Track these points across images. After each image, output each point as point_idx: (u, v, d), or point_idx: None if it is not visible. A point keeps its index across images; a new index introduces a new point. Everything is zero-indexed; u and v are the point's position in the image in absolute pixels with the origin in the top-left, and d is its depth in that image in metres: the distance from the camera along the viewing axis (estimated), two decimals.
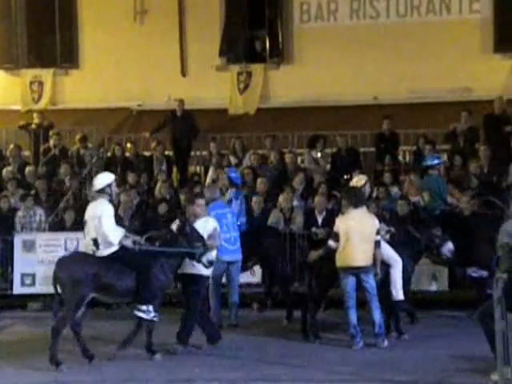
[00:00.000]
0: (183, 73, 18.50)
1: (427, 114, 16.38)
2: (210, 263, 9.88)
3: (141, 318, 9.71)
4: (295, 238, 13.22)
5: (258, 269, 13.19)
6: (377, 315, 10.17)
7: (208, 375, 8.90)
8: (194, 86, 17.87)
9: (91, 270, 9.48)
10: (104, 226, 9.52)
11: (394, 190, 13.99)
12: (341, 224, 10.29)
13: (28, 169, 16.00)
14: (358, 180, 11.15)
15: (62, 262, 9.85)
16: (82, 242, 13.31)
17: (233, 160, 16.12)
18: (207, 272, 10.12)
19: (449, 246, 10.89)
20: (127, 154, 16.58)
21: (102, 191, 9.75)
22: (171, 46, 18.36)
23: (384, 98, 17.15)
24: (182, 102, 16.80)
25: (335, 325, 11.10)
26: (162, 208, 14.04)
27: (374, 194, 13.19)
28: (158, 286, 9.72)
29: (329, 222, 13.27)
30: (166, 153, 16.61)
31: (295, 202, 13.96)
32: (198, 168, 16.76)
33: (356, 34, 17.59)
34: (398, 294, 10.57)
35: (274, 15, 18.26)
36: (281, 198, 13.74)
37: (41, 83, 19.00)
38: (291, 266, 13.12)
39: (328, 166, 15.73)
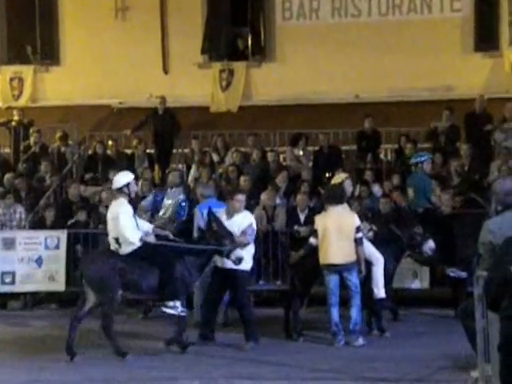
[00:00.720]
0: (165, 70, 18.46)
1: (408, 113, 16.44)
2: (239, 260, 9.85)
3: (170, 315, 9.74)
4: (278, 235, 13.24)
5: None
6: (354, 312, 10.21)
7: (190, 373, 8.87)
8: (175, 83, 17.84)
9: (117, 266, 9.54)
10: (122, 227, 9.58)
11: (376, 188, 14.02)
12: (319, 221, 10.37)
13: (7, 176, 15.72)
14: (337, 177, 11.19)
15: (86, 260, 9.96)
16: (62, 239, 13.51)
17: (215, 157, 16.10)
18: (247, 266, 10.08)
19: (430, 244, 10.93)
20: (109, 152, 16.51)
21: (120, 190, 9.79)
22: (153, 43, 18.30)
23: (366, 97, 17.19)
24: (163, 99, 16.76)
25: (318, 323, 11.09)
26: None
27: (357, 193, 13.21)
28: (181, 282, 9.70)
29: (311, 219, 13.30)
30: (148, 150, 16.56)
31: (278, 200, 13.96)
32: (180, 166, 16.72)
33: (338, 32, 17.62)
34: (380, 292, 10.60)
35: (256, 13, 18.26)
36: (263, 196, 13.74)
37: (21, 80, 18.88)
38: (274, 264, 13.15)
39: (310, 164, 15.74)
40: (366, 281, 10.50)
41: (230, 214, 10.21)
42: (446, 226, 12.13)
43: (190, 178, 15.66)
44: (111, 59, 18.26)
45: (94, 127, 17.87)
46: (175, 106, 16.86)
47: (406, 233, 10.95)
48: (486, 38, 17.20)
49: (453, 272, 11.36)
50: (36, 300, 13.89)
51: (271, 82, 17.80)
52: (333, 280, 10.17)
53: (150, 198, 12.48)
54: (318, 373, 8.81)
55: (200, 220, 10.67)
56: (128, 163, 16.12)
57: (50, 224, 14.00)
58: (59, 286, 13.41)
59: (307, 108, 17.23)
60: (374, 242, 10.76)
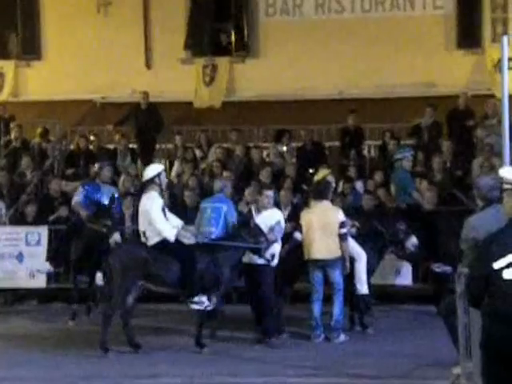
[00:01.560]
0: (148, 65, 18.38)
1: (391, 109, 16.45)
2: (273, 257, 9.87)
3: (197, 310, 9.74)
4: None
5: None
6: (337, 309, 10.23)
7: (172, 371, 8.86)
8: (158, 78, 17.76)
9: (141, 257, 9.52)
10: (156, 222, 9.58)
11: (359, 184, 14.03)
12: (303, 217, 10.38)
13: None
14: (320, 173, 11.20)
15: (114, 250, 10.00)
16: (43, 235, 13.42)
17: (198, 153, 16.06)
18: (272, 263, 10.05)
19: (413, 241, 10.95)
20: (91, 147, 16.43)
21: (151, 181, 9.75)
22: (136, 38, 18.21)
23: (349, 93, 17.19)
24: (146, 94, 16.69)
25: (301, 319, 11.08)
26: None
27: (340, 189, 13.22)
28: (208, 278, 9.66)
29: (294, 216, 13.29)
30: (131, 145, 16.49)
31: None
32: (162, 161, 16.65)
33: (321, 28, 17.61)
34: (363, 287, 10.61)
35: (240, 9, 18.21)
36: (247, 192, 13.71)
37: (2, 75, 18.73)
38: None
39: (293, 160, 15.73)
40: (349, 277, 10.50)
41: (258, 210, 10.18)
42: (429, 222, 12.15)
43: (173, 173, 15.62)
44: (93, 54, 18.15)
45: (76, 122, 17.77)
46: (158, 102, 16.79)
47: (389, 229, 10.96)
48: (468, 35, 17.25)
49: (438, 267, 11.37)
50: (17, 296, 13.79)
51: (255, 78, 17.77)
52: (317, 276, 10.18)
53: (80, 191, 12.04)
54: (301, 369, 8.81)
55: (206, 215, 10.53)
56: (110, 158, 16.07)
57: (31, 220, 13.91)
58: (40, 282, 13.33)
59: (290, 104, 17.22)
60: (357, 238, 10.77)
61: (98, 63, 18.07)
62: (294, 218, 13.20)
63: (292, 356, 9.46)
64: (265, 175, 14.58)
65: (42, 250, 13.33)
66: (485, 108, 14.81)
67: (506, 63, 7.56)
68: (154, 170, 9.90)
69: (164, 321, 11.44)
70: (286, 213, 13.29)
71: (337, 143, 16.14)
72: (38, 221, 13.75)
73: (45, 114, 17.70)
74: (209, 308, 9.69)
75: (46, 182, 15.30)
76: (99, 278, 11.36)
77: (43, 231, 13.48)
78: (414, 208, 12.69)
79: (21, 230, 13.67)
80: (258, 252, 9.82)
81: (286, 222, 13.05)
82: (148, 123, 16.41)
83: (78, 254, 11.62)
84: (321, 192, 10.38)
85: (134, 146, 16.56)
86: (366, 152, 16.32)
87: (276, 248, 10.09)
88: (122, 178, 14.98)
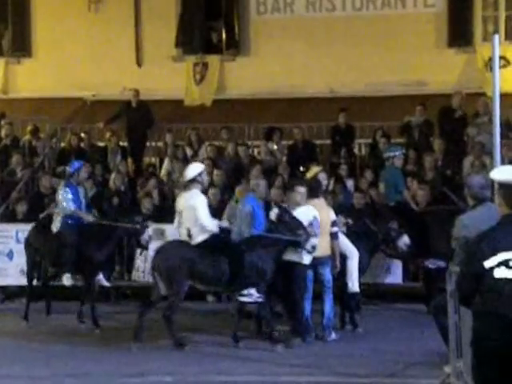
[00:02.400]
0: (138, 63, 18.34)
1: (382, 107, 16.47)
2: (314, 248, 9.84)
3: (244, 303, 9.77)
4: None
5: None
6: (328, 308, 10.22)
7: (161, 369, 8.82)
8: (149, 76, 17.73)
9: (187, 256, 9.58)
10: (201, 218, 9.63)
11: (350, 182, 14.03)
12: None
13: None
14: (311, 171, 11.19)
15: (159, 250, 9.97)
16: None
17: (188, 151, 16.03)
18: (307, 260, 10.02)
19: (404, 240, 10.94)
20: (82, 145, 16.39)
21: (193, 180, 9.80)
22: (126, 35, 18.18)
23: (340, 91, 17.19)
24: (137, 92, 16.64)
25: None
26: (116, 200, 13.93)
27: (330, 188, 13.21)
28: (253, 272, 9.66)
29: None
30: (121, 143, 16.45)
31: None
32: (153, 159, 16.64)
33: (312, 26, 17.60)
34: (354, 285, 10.60)
35: (231, 6, 18.18)
36: (237, 190, 13.68)
37: None
38: None
39: (284, 158, 15.72)
40: (340, 275, 10.50)
41: (290, 207, 10.13)
42: (420, 220, 12.16)
43: (163, 171, 15.59)
44: (84, 51, 18.11)
45: (66, 120, 17.72)
46: (149, 99, 16.74)
47: (381, 227, 10.95)
48: (459, 34, 17.27)
49: (432, 264, 11.34)
50: (7, 294, 13.75)
51: (245, 76, 17.75)
52: (307, 274, 10.16)
53: (69, 198, 11.60)
54: (290, 368, 8.80)
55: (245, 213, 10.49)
56: (100, 156, 16.04)
57: (22, 217, 13.87)
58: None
59: (281, 102, 17.21)
60: (348, 236, 10.76)
61: (89, 61, 18.02)
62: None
63: (282, 354, 9.44)
64: (255, 173, 14.57)
65: None
66: (476, 106, 14.83)
67: (497, 62, 7.55)
68: (195, 169, 9.95)
69: (155, 319, 11.39)
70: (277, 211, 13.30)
71: (328, 141, 16.13)
72: (28, 218, 13.69)
73: (35, 111, 17.63)
74: (258, 300, 9.72)
75: (37, 180, 15.27)
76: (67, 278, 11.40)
77: None
78: (404, 206, 12.69)
79: (11, 228, 13.61)
80: (299, 244, 9.81)
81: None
82: (138, 121, 16.37)
83: (108, 254, 11.49)
84: (313, 190, 10.36)
85: (125, 143, 16.52)
86: (356, 150, 16.32)
87: (316, 241, 10.02)
88: (113, 175, 14.95)
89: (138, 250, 13.37)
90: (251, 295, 9.69)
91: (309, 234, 9.79)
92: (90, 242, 11.15)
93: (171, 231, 13.18)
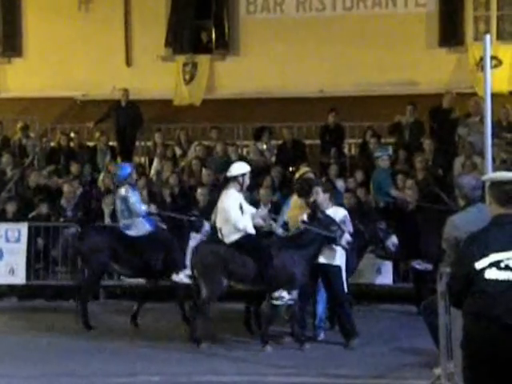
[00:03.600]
0: (128, 63, 18.30)
1: (372, 107, 16.45)
2: (348, 244, 9.83)
3: (276, 306, 9.70)
4: None
5: None
6: (320, 309, 10.20)
7: (150, 369, 8.78)
8: (139, 76, 17.69)
9: (222, 255, 9.56)
10: (233, 220, 9.60)
11: (340, 182, 14.00)
12: (289, 214, 10.34)
13: None
14: (300, 171, 11.17)
15: (196, 250, 9.95)
16: (22, 232, 13.30)
17: (178, 151, 15.99)
18: (340, 261, 9.97)
19: (393, 240, 10.92)
20: (71, 144, 16.34)
21: (234, 179, 9.76)
22: (116, 35, 18.14)
23: (330, 91, 17.18)
24: (126, 91, 16.60)
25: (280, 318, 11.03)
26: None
27: None
28: (285, 273, 9.60)
29: (274, 214, 13.25)
30: (110, 143, 16.41)
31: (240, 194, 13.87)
32: (142, 159, 16.60)
33: (302, 26, 17.59)
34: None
35: (221, 6, 18.15)
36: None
37: None
38: None
39: (274, 158, 15.70)
40: None
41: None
42: (410, 220, 12.14)
43: (153, 171, 15.55)
44: (74, 51, 18.06)
45: (56, 119, 17.68)
46: (138, 99, 16.72)
47: (369, 228, 10.92)
48: (450, 33, 17.29)
49: (419, 264, 11.34)
50: None
51: (235, 76, 17.72)
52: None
53: (138, 200, 11.45)
54: (279, 369, 8.77)
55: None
56: (90, 156, 15.99)
57: (11, 216, 13.81)
58: (19, 279, 13.23)
59: (271, 102, 17.19)
60: None
61: (79, 60, 17.98)
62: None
63: (270, 355, 9.40)
64: None
65: (22, 246, 13.24)
66: (467, 106, 14.83)
67: (488, 62, 7.53)
68: (240, 169, 9.87)
69: (144, 319, 11.35)
70: (266, 211, 13.28)
71: (317, 141, 16.12)
72: (17, 218, 13.65)
73: (25, 110, 17.60)
74: (290, 303, 9.68)
75: (26, 177, 15.20)
76: None
77: (23, 228, 13.39)
78: (394, 206, 12.68)
79: (1, 227, 13.54)
80: (333, 241, 9.77)
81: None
82: (128, 121, 16.34)
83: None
84: (304, 190, 10.33)
85: (114, 143, 16.47)
86: (346, 150, 16.31)
87: (349, 237, 9.97)
88: (102, 175, 14.90)
89: None
90: (282, 298, 9.64)
91: (343, 230, 9.80)
92: (173, 241, 11.06)
93: None
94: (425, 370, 7.98)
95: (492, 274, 4.87)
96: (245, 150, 16.22)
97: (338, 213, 10.10)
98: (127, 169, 11.40)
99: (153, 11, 18.09)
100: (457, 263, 5.17)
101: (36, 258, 13.34)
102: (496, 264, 4.87)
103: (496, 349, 4.83)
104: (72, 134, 16.56)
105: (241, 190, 9.85)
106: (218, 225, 9.86)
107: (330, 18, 17.65)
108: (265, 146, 15.75)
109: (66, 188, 14.05)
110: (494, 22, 17.28)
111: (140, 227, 11.02)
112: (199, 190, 13.73)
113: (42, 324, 11.21)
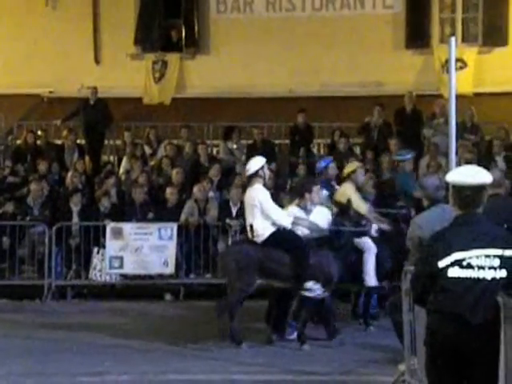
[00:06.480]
0: (97, 60, 18.22)
1: (341, 108, 16.57)
2: (376, 232, 9.96)
3: (307, 297, 9.62)
4: (209, 229, 13.24)
5: (171, 259, 13.13)
6: (295, 306, 10.23)
7: (118, 368, 8.76)
8: (107, 73, 17.62)
9: (255, 255, 9.46)
10: (270, 213, 9.50)
11: None
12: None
13: None
14: (349, 166, 11.03)
15: (227, 251, 9.94)
16: None
17: (147, 150, 15.97)
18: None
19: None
20: (38, 142, 16.24)
21: (255, 175, 9.67)
22: (84, 32, 18.04)
23: (299, 91, 17.27)
24: (95, 89, 16.53)
25: (253, 315, 11.07)
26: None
27: (288, 187, 13.27)
28: (317, 268, 9.56)
29: (243, 213, 13.31)
30: (78, 141, 16.33)
31: (210, 193, 13.94)
32: (111, 157, 16.55)
33: (272, 26, 17.66)
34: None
35: (191, 5, 18.15)
36: (195, 189, 13.70)
37: None
38: (205, 257, 13.15)
39: (243, 158, 15.75)
40: None
41: (307, 210, 9.96)
42: None
43: (122, 170, 15.52)
44: (41, 48, 17.94)
45: (22, 117, 17.54)
46: (107, 97, 16.64)
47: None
48: (416, 35, 17.45)
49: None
50: None
51: (205, 75, 17.74)
52: None
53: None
54: (248, 366, 8.80)
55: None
56: (57, 154, 15.91)
57: None
58: None
59: (241, 101, 17.23)
60: None
61: (46, 57, 17.86)
62: (243, 216, 13.19)
63: (241, 353, 9.43)
64: (214, 172, 14.59)
65: None
66: (433, 107, 14.99)
67: (453, 64, 7.62)
68: (257, 163, 9.79)
69: (112, 318, 11.35)
70: (235, 210, 13.36)
71: (287, 141, 16.20)
72: None
73: None
74: (319, 297, 9.66)
75: None
76: None
77: None
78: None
79: None
80: (365, 233, 9.88)
81: (234, 219, 13.19)
82: (96, 119, 16.26)
83: None
84: (298, 190, 10.36)
85: (82, 141, 16.40)
86: (315, 150, 16.41)
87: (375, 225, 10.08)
88: (70, 173, 14.84)
89: (95, 249, 13.31)
90: (315, 290, 9.60)
91: (371, 222, 9.94)
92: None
93: (129, 229, 13.20)
94: (390, 366, 8.06)
95: (455, 273, 4.94)
96: (215, 150, 16.25)
97: (323, 211, 10.13)
98: (324, 162, 11.51)
99: (122, 9, 18.03)
100: (420, 262, 5.24)
101: (2, 257, 13.25)
102: (458, 263, 4.93)
103: (458, 346, 4.90)
104: (39, 132, 16.46)
105: (264, 184, 9.80)
106: (249, 221, 9.68)
107: (300, 19, 17.74)
108: (234, 146, 15.80)
109: (33, 186, 13.96)
110: (460, 24, 17.47)
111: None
112: (169, 190, 13.75)
113: (7, 324, 11.14)
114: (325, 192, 10.63)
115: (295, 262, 9.53)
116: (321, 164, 11.66)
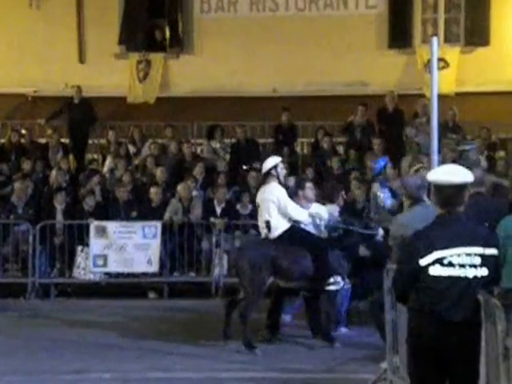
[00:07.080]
0: (81, 59, 18.18)
1: (324, 107, 16.62)
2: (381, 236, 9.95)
3: (332, 292, 9.62)
4: (193, 227, 13.27)
5: (155, 258, 13.15)
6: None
7: (101, 366, 8.78)
8: (92, 73, 17.59)
9: (269, 254, 9.43)
10: (290, 209, 9.53)
11: (292, 180, 14.13)
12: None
13: None
14: (415, 167, 11.02)
15: (240, 249, 9.95)
16: None
17: (131, 149, 15.98)
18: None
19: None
20: (22, 141, 16.21)
21: (269, 174, 9.71)
22: (69, 31, 17.99)
23: (283, 90, 17.31)
24: (79, 88, 16.52)
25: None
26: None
27: None
28: (333, 266, 9.58)
29: (228, 212, 13.38)
30: (63, 140, 16.32)
31: (194, 192, 13.97)
32: (95, 156, 16.54)
33: (256, 26, 17.68)
34: None
35: (175, 5, 18.14)
36: (180, 188, 13.72)
37: None
38: (189, 256, 13.18)
39: (227, 157, 15.79)
40: None
41: (304, 205, 9.89)
42: None
43: (106, 169, 15.52)
44: (26, 47, 17.87)
45: (6, 116, 17.48)
46: (91, 96, 16.63)
47: None
48: (399, 35, 17.52)
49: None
50: None
51: (189, 74, 17.75)
52: None
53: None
54: (230, 364, 8.84)
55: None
56: (41, 153, 15.89)
57: None
58: None
59: (225, 100, 17.24)
60: None
61: (31, 56, 17.79)
62: (227, 214, 13.29)
63: (223, 351, 9.46)
64: (198, 171, 14.62)
65: None
66: (415, 107, 15.08)
67: (435, 64, 7.70)
68: (271, 162, 9.81)
69: (95, 316, 11.36)
70: (220, 209, 13.40)
71: (270, 140, 16.26)
72: None
73: None
74: (347, 286, 9.70)
75: None
76: None
77: None
78: None
79: None
80: (373, 237, 9.89)
81: (218, 217, 13.22)
82: (81, 118, 16.26)
83: None
84: (291, 192, 10.39)
85: (66, 140, 16.39)
86: (299, 149, 16.48)
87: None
88: (54, 172, 14.83)
89: (79, 247, 13.31)
90: (338, 282, 9.59)
91: (378, 226, 9.99)
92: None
93: (113, 228, 13.21)
94: (372, 364, 8.12)
95: (436, 271, 4.98)
96: (199, 149, 16.28)
97: (320, 208, 10.15)
98: (381, 163, 11.45)
99: (106, 8, 17.99)
100: (402, 260, 5.29)
101: None
102: (440, 261, 4.97)
103: (439, 344, 4.95)
104: (23, 131, 16.43)
105: (279, 183, 9.80)
106: (265, 218, 9.64)
107: (283, 18, 17.77)
108: (218, 145, 15.84)
109: (17, 185, 13.94)
110: (442, 24, 17.57)
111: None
112: (153, 189, 13.76)
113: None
114: (387, 193, 10.73)
115: (315, 260, 9.51)
116: (380, 164, 11.63)
